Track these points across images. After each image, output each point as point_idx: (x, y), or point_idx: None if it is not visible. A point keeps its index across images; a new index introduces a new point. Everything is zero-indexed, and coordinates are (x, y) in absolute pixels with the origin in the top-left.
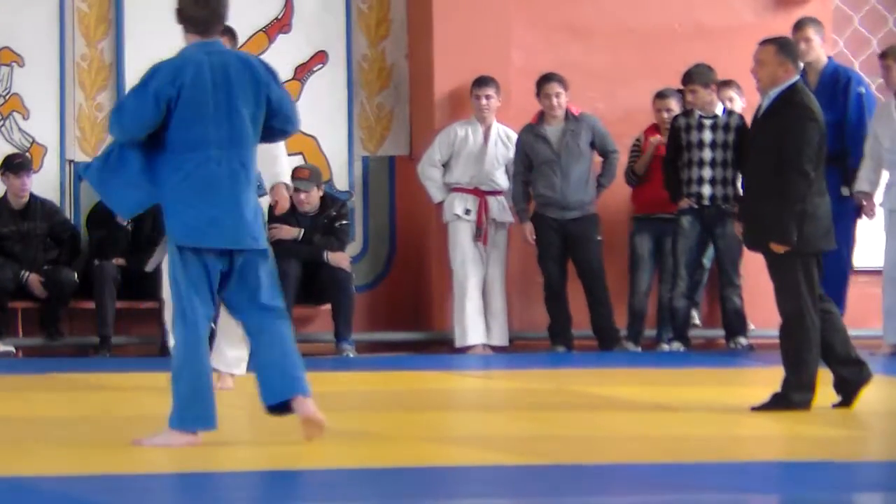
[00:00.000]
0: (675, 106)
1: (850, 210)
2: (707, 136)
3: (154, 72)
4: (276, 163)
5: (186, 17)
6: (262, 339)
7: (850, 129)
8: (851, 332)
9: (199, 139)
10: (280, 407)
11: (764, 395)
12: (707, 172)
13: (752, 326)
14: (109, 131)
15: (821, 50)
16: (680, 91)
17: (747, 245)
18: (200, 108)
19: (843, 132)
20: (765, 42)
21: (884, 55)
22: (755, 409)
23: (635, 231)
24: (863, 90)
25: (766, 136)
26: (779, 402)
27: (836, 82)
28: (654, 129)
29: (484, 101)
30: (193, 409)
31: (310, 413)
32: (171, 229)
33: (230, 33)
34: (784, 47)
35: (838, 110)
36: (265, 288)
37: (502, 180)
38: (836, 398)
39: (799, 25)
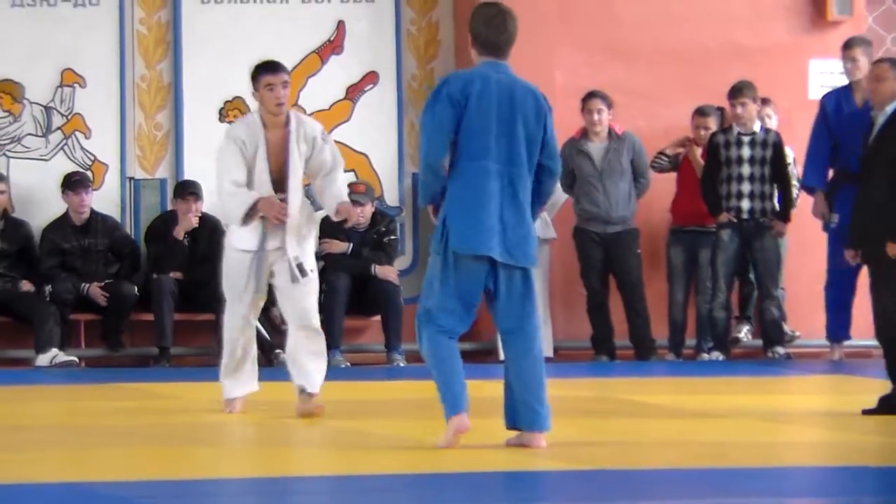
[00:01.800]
0: (713, 124)
1: None
2: (746, 152)
3: (444, 81)
4: (334, 184)
5: (481, 40)
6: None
7: None
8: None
9: (480, 150)
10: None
11: (803, 403)
12: (746, 187)
13: (798, 334)
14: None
15: (866, 71)
16: (720, 109)
17: (861, 253)
18: (485, 119)
19: None
20: (880, 61)
21: None
22: (866, 412)
23: (670, 243)
24: None
25: (891, 147)
26: (888, 406)
27: None
28: (694, 141)
29: None
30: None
31: (535, 445)
32: (447, 234)
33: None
34: None
35: None
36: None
37: None
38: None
39: (848, 45)
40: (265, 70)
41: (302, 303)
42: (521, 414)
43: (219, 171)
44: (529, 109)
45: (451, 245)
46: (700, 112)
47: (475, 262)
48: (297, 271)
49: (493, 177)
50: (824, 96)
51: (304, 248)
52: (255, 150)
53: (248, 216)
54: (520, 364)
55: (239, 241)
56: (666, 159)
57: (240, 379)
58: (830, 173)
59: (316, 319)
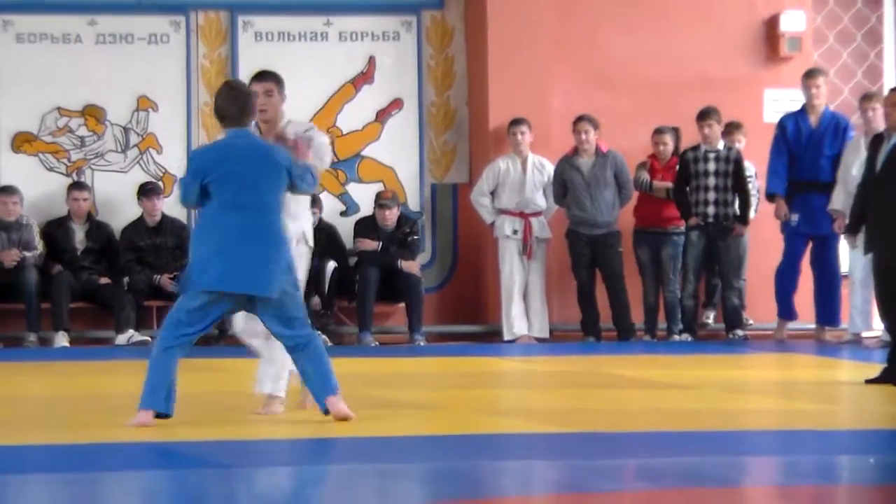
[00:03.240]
0: (669, 140)
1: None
2: (711, 166)
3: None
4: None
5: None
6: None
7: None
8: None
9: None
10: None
11: (757, 376)
12: (711, 196)
13: (750, 321)
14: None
15: (823, 97)
16: (675, 129)
17: (877, 253)
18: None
19: (836, 165)
20: (894, 90)
21: (865, 98)
22: (869, 381)
23: (635, 242)
24: (854, 133)
25: None
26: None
27: (835, 125)
28: (653, 157)
29: (519, 137)
30: None
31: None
32: None
33: (275, 79)
34: None
35: (836, 147)
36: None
37: (541, 202)
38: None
39: (811, 74)
40: (252, 79)
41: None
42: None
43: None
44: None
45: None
46: (658, 131)
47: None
48: None
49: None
50: (783, 117)
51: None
52: None
53: None
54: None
55: None
56: (643, 182)
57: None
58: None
59: None
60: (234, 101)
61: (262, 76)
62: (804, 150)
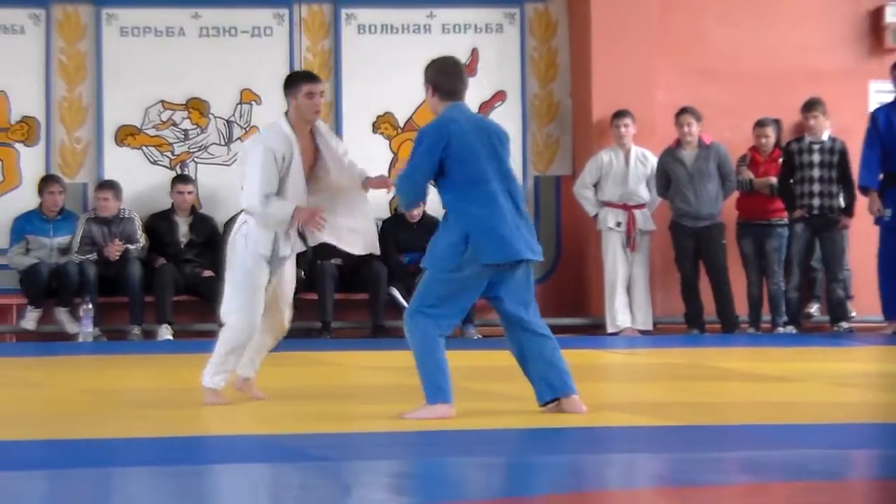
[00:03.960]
0: (771, 133)
1: None
2: (816, 157)
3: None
4: (354, 166)
5: (445, 90)
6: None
7: None
8: None
9: (480, 175)
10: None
11: (862, 369)
12: (816, 187)
13: (854, 313)
14: None
15: None
16: (776, 120)
17: None
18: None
19: None
20: None
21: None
22: None
23: (740, 235)
24: None
25: None
26: None
27: None
28: (755, 149)
29: (622, 129)
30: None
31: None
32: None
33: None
34: None
35: None
36: None
37: (645, 194)
38: None
39: None
40: (305, 79)
41: (289, 307)
42: (554, 382)
43: (254, 178)
44: (501, 136)
45: (482, 258)
46: (760, 124)
47: (489, 269)
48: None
49: (499, 195)
50: (875, 110)
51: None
52: (290, 159)
53: (290, 224)
54: (538, 342)
55: (262, 247)
56: (744, 182)
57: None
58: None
59: None
60: (462, 77)
61: (316, 77)
62: (894, 141)
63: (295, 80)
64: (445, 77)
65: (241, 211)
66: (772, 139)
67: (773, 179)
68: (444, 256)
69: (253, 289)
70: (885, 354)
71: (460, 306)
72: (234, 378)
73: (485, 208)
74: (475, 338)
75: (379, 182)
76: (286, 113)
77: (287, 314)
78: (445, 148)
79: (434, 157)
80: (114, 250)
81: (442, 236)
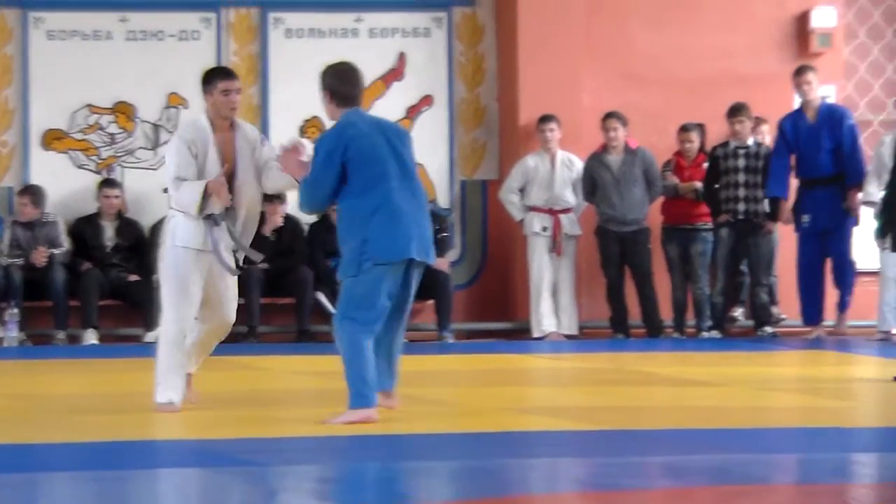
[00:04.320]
0: (695, 138)
1: (851, 222)
2: (741, 162)
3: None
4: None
5: (340, 95)
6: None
7: (846, 155)
8: (853, 322)
9: (380, 176)
10: None
11: (786, 374)
12: (741, 192)
13: (784, 317)
14: None
15: (816, 91)
16: (700, 125)
17: None
18: (373, 151)
19: (839, 158)
20: None
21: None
22: None
23: (665, 239)
24: (852, 122)
25: None
26: None
27: (832, 117)
28: (679, 154)
29: (548, 134)
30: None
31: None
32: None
33: None
34: None
35: (835, 140)
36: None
37: (571, 199)
38: None
39: (801, 71)
40: (221, 76)
41: (232, 303)
42: (388, 377)
43: (169, 167)
44: (402, 135)
45: (376, 258)
46: (684, 129)
47: (391, 268)
48: (231, 265)
49: (397, 193)
50: (782, 120)
51: (247, 243)
52: (205, 150)
53: (203, 202)
54: (398, 337)
55: (184, 239)
56: (669, 188)
57: (181, 383)
58: (795, 183)
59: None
60: (358, 82)
61: (232, 74)
62: (804, 147)
63: (211, 78)
64: (341, 83)
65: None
66: (696, 144)
67: (698, 184)
68: (350, 261)
69: (178, 282)
70: (808, 359)
71: (379, 307)
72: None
73: (381, 210)
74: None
75: (292, 149)
76: (206, 110)
77: (228, 311)
78: (345, 152)
79: (335, 163)
80: (39, 257)
81: (345, 242)
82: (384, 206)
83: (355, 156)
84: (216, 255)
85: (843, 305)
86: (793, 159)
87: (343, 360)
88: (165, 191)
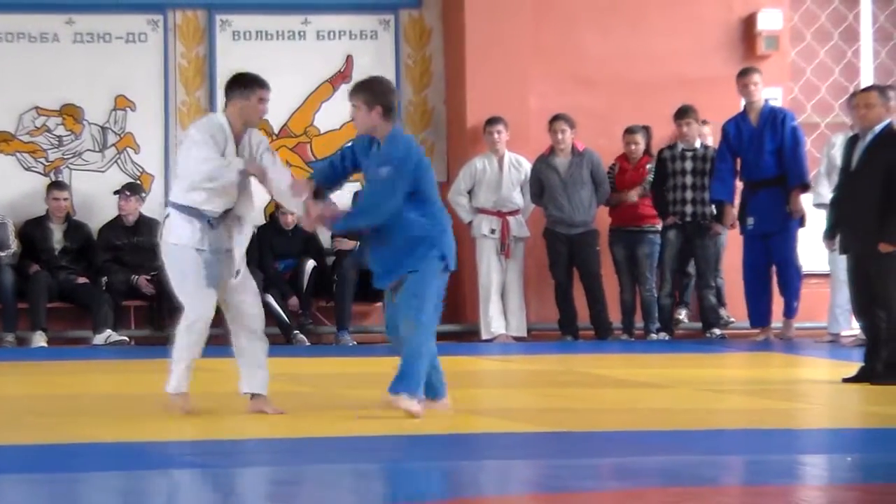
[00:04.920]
0: (640, 140)
1: (794, 225)
2: (689, 165)
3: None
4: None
5: (391, 109)
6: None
7: (788, 156)
8: (802, 324)
9: (435, 194)
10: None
11: (734, 375)
12: (689, 194)
13: (732, 319)
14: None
15: (761, 93)
16: (645, 127)
17: (850, 250)
18: (430, 173)
19: (780, 159)
20: (868, 89)
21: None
22: (846, 380)
23: (612, 241)
24: (795, 124)
25: (877, 162)
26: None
27: (774, 119)
28: (624, 157)
29: (496, 136)
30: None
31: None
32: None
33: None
34: (884, 92)
35: (777, 141)
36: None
37: (519, 200)
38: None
39: (745, 73)
40: (261, 84)
41: (249, 304)
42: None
43: (198, 157)
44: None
45: (450, 265)
46: (629, 131)
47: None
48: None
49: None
50: (725, 123)
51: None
52: (222, 150)
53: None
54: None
55: (182, 238)
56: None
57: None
58: (739, 186)
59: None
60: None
61: (268, 85)
62: (748, 150)
63: (250, 84)
64: (391, 97)
65: (168, 208)
66: (641, 146)
67: (634, 192)
68: (430, 269)
69: (184, 276)
70: (757, 360)
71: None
72: (246, 400)
73: (446, 222)
74: (350, 344)
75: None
76: (224, 110)
77: (248, 308)
78: (417, 167)
79: (409, 178)
80: None
81: (416, 245)
82: (445, 220)
83: (420, 173)
84: (214, 255)
85: (790, 312)
86: (738, 162)
87: (410, 352)
88: (166, 205)
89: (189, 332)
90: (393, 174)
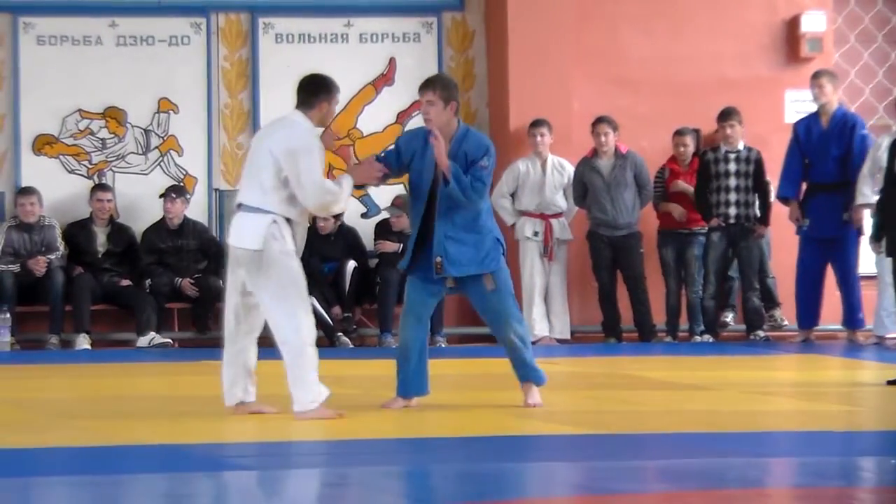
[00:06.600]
0: (690, 142)
1: (852, 233)
2: (732, 167)
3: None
4: None
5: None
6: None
7: (854, 165)
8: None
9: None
10: None
11: (779, 378)
12: (732, 197)
13: (785, 322)
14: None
15: (833, 96)
16: (695, 130)
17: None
18: None
19: (846, 166)
20: None
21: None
22: (890, 382)
23: (661, 243)
24: (865, 132)
25: None
26: None
27: (844, 124)
28: (673, 160)
29: (539, 139)
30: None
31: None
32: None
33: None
34: None
35: (844, 147)
36: None
37: (562, 203)
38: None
39: (815, 76)
40: (339, 90)
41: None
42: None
43: (314, 168)
44: None
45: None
46: (679, 133)
47: None
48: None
49: None
50: (796, 122)
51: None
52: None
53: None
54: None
55: (289, 244)
56: (658, 192)
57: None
58: (804, 186)
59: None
60: None
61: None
62: (815, 152)
63: (334, 87)
64: (458, 94)
65: (240, 208)
66: (690, 148)
67: (683, 185)
68: (496, 257)
69: (296, 285)
70: (803, 362)
71: None
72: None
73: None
74: (393, 346)
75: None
76: (307, 113)
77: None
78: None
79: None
80: (39, 266)
81: (485, 234)
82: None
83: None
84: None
85: (856, 322)
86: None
87: (522, 346)
88: (238, 208)
89: (311, 345)
90: (491, 165)
